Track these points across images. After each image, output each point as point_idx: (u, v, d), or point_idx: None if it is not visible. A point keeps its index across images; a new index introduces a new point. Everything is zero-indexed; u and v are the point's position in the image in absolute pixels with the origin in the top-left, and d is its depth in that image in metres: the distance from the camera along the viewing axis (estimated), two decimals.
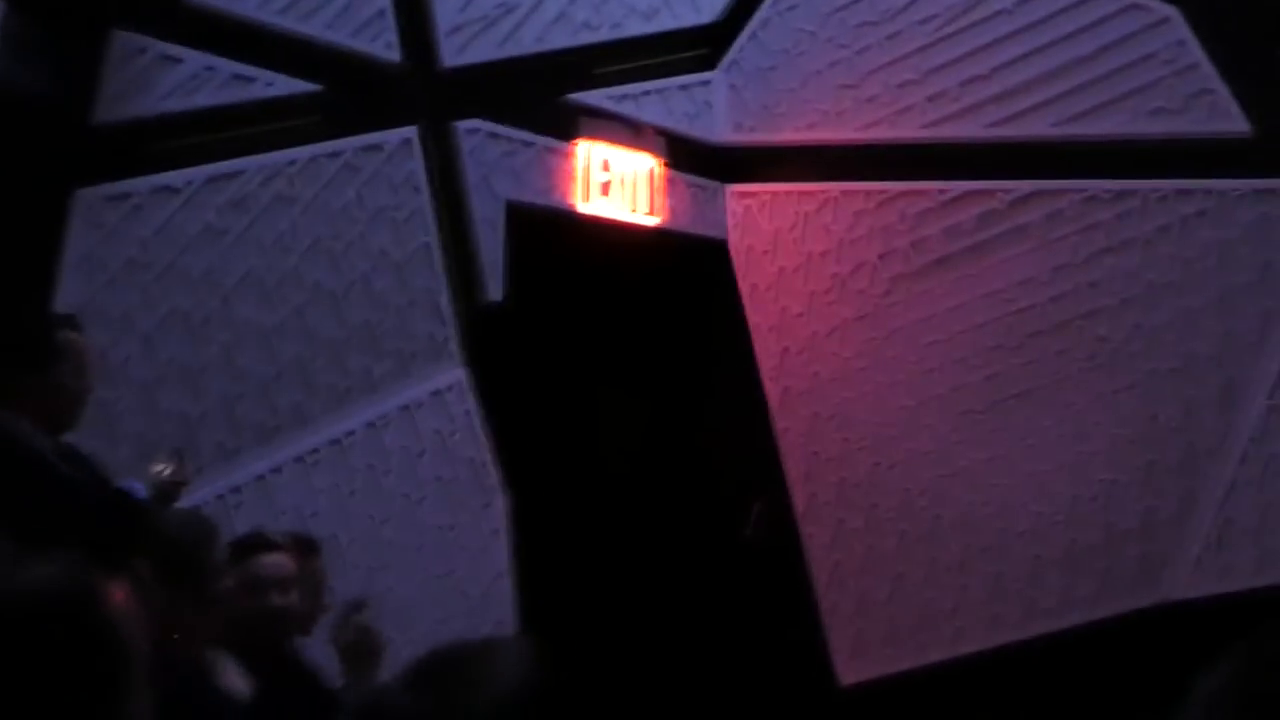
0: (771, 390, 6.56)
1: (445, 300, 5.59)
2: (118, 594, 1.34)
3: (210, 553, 3.26)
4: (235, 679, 3.40)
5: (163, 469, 3.96)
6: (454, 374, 5.61)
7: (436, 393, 5.58)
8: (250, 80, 4.91)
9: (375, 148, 5.37)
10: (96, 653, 1.27)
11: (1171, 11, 5.76)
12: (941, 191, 6.23)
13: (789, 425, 6.55)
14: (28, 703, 1.23)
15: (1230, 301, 5.65)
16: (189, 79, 4.76)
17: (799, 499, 6.55)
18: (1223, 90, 5.70)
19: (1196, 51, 5.72)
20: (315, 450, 5.20)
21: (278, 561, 3.41)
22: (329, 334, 5.20)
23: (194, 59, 4.76)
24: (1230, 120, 5.70)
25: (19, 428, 3.70)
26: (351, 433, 5.30)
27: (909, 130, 6.28)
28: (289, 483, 5.11)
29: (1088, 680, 5.86)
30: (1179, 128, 5.79)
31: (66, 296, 4.52)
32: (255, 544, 3.47)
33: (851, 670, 6.45)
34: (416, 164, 5.50)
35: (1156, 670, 5.69)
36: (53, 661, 1.24)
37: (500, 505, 5.74)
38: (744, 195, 6.61)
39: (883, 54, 6.30)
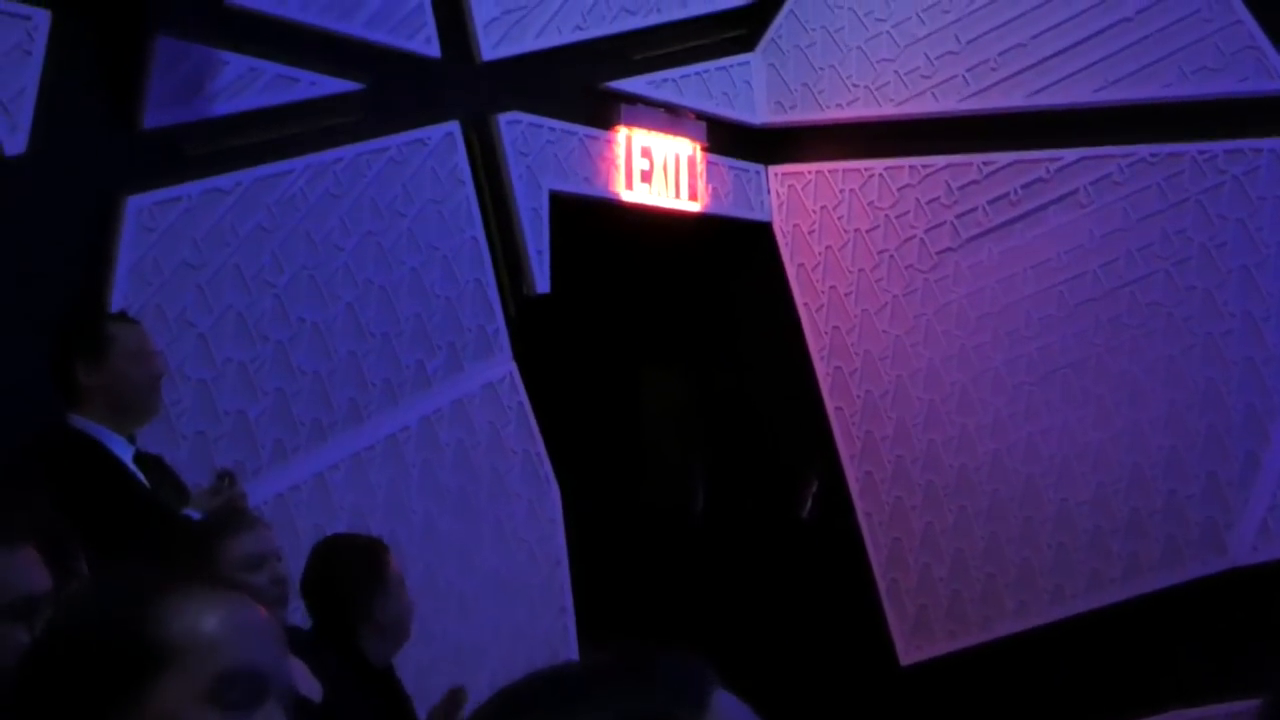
0: (822, 371, 6.54)
1: (493, 292, 5.61)
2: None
3: (222, 546, 3.28)
4: (305, 681, 3.41)
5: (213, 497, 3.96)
6: (505, 366, 5.63)
7: (488, 385, 5.59)
8: (294, 81, 4.94)
9: (419, 143, 5.39)
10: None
11: None
12: (986, 163, 6.19)
13: (841, 405, 6.53)
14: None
15: None
16: (234, 81, 4.79)
17: (854, 479, 6.52)
18: (1267, 47, 5.63)
19: (1239, 8, 5.65)
20: (371, 447, 5.23)
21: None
22: (381, 329, 5.22)
23: (238, 62, 4.79)
24: (1275, 78, 5.63)
25: (97, 433, 3.75)
26: (406, 428, 5.32)
27: (950, 103, 6.24)
28: (346, 480, 5.14)
29: (1154, 649, 5.80)
30: (1224, 87, 5.73)
31: (122, 301, 4.56)
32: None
33: (913, 648, 6.42)
34: (460, 157, 5.52)
35: (1223, 636, 5.67)
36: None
37: (555, 495, 5.76)
38: (787, 175, 6.59)
39: (920, 26, 6.27)
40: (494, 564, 5.50)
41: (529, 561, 5.60)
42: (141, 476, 3.81)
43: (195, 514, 3.76)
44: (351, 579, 3.76)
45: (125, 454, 3.79)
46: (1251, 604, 5.68)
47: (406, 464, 5.31)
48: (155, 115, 4.62)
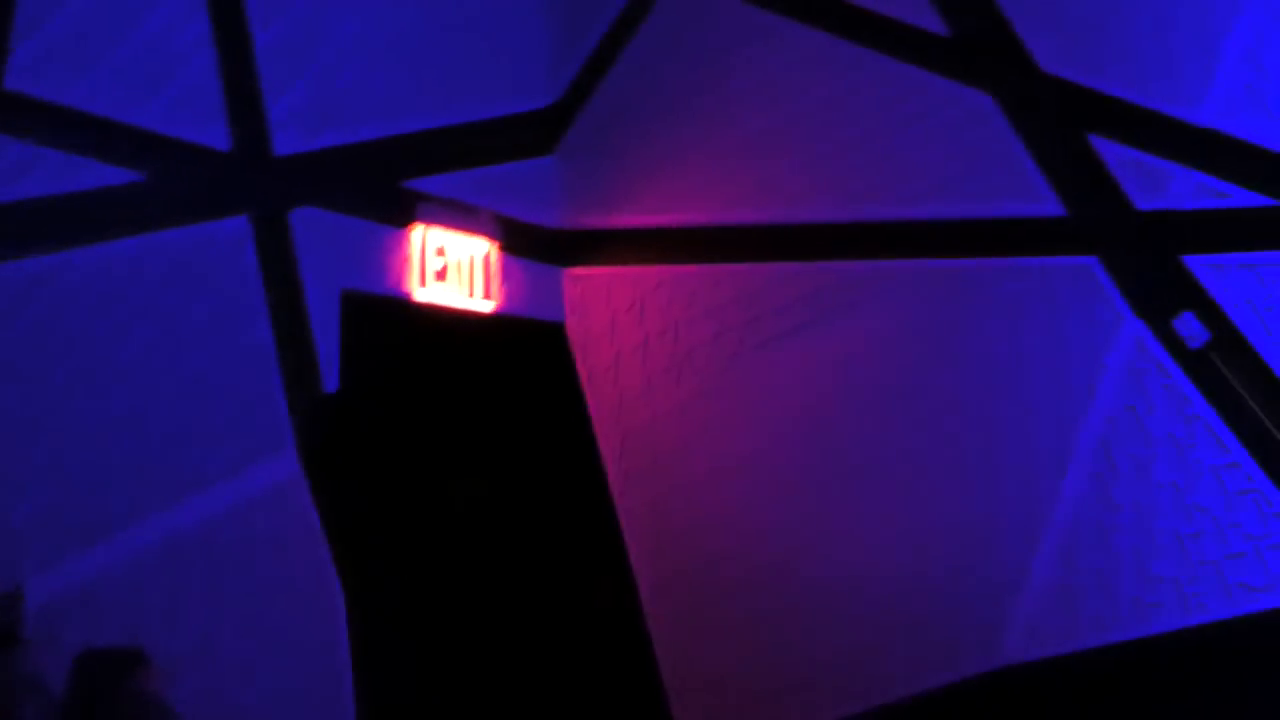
0: (614, 471, 6.55)
1: (282, 392, 5.43)
2: None
3: None
4: None
5: None
6: (291, 468, 5.44)
7: (273, 486, 5.40)
8: (79, 169, 4.73)
9: (208, 237, 5.22)
10: None
11: (989, 102, 6.04)
12: (776, 271, 6.36)
13: (632, 505, 6.54)
14: None
15: (1059, 372, 5.88)
16: (15, 167, 4.55)
17: (645, 578, 6.52)
18: (1037, 175, 5.97)
19: (1013, 139, 5.99)
20: (148, 553, 4.97)
21: None
22: (163, 430, 4.99)
23: (16, 148, 4.56)
24: (1045, 202, 5.97)
25: None
26: (186, 533, 5.08)
27: (744, 213, 6.40)
28: (120, 588, 4.86)
29: None
30: (1000, 210, 6.04)
31: None
32: None
33: None
34: (250, 253, 5.36)
35: None
36: None
37: (340, 604, 5.57)
38: (581, 278, 6.63)
39: (719, 140, 6.43)
40: (275, 675, 5.26)
41: (312, 672, 5.39)
42: None
43: None
44: (101, 697, 3.61)
45: None
46: (1022, 699, 5.90)
47: (185, 571, 5.06)
48: None
